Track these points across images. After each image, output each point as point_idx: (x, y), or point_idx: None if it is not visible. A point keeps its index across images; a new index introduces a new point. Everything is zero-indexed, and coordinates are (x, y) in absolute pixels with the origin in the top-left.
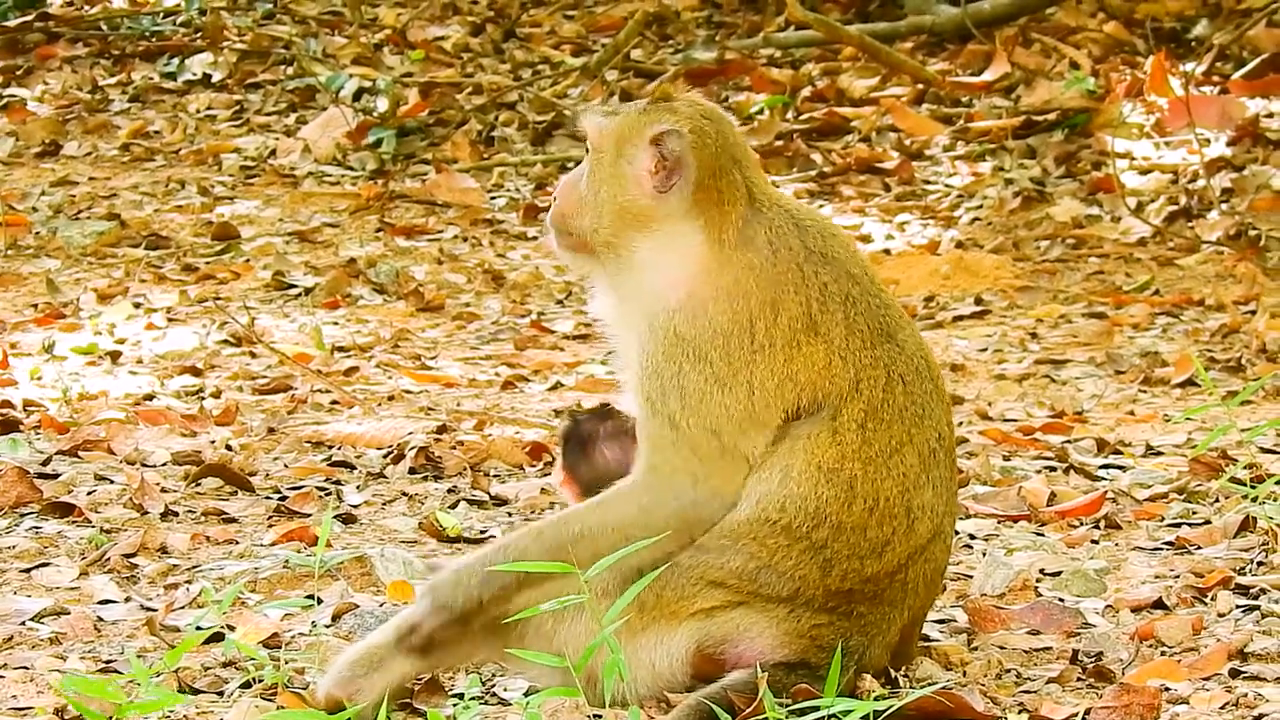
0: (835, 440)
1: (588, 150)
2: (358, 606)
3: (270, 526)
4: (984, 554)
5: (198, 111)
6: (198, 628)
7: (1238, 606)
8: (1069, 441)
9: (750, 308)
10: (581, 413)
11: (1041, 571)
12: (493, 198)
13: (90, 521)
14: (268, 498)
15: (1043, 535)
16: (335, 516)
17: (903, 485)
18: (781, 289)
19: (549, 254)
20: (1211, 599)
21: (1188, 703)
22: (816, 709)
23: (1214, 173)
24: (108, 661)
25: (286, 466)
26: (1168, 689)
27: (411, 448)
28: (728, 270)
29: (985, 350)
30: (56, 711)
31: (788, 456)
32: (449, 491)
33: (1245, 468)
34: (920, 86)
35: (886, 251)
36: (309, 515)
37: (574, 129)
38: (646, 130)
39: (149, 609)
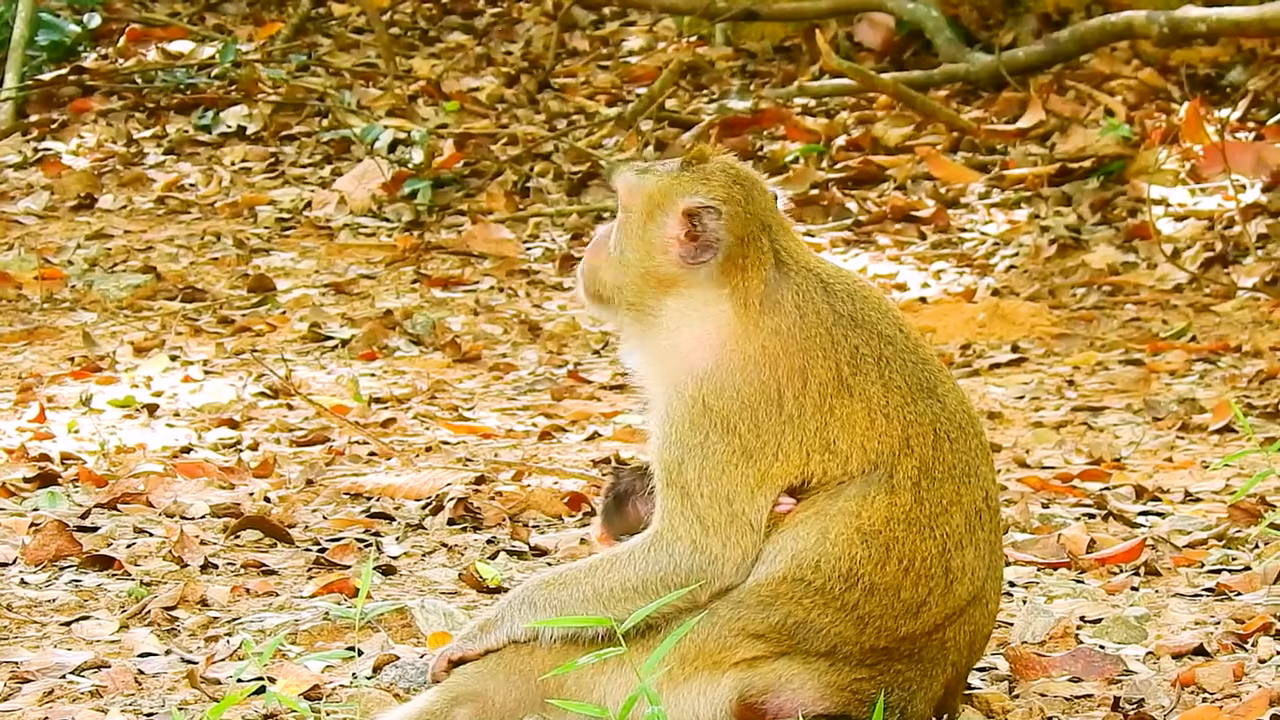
0: (890, 501)
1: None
2: (399, 658)
3: (310, 578)
4: (1024, 601)
5: (233, 164)
6: (239, 680)
7: (1279, 653)
8: (1107, 488)
9: (778, 376)
10: (622, 468)
11: (1082, 619)
12: (528, 248)
13: (130, 574)
14: (307, 549)
15: (1083, 582)
16: (375, 568)
17: (943, 546)
18: (809, 355)
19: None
20: (1253, 645)
21: None
22: None
23: (1250, 218)
24: (149, 714)
25: (325, 518)
26: None
27: (450, 499)
28: (754, 337)
29: (1022, 398)
30: None
31: (826, 519)
32: (488, 542)
33: None
34: (955, 134)
35: (923, 300)
36: (349, 567)
37: (608, 182)
38: (680, 200)
39: (190, 661)
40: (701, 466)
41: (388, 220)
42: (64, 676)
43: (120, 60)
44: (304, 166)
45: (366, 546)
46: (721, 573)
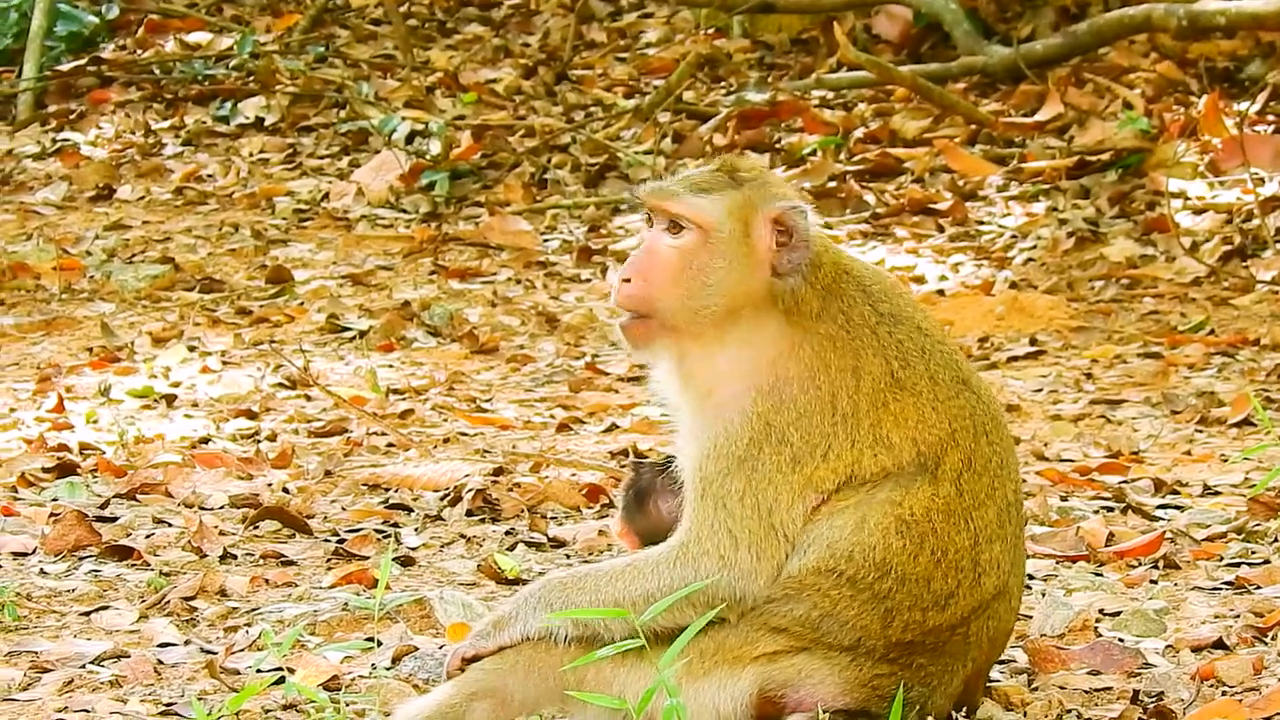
0: (933, 491)
1: (675, 228)
2: (417, 649)
3: (329, 569)
4: (1043, 594)
5: (251, 155)
6: (258, 670)
7: None
8: (1126, 481)
9: (831, 379)
10: (643, 464)
11: (1101, 611)
12: (546, 240)
13: (149, 564)
14: (326, 540)
15: (1101, 575)
16: (394, 559)
17: (975, 539)
18: (860, 354)
19: (603, 296)
20: (1272, 638)
21: None
22: None
23: (1268, 212)
24: (168, 704)
25: (344, 509)
26: None
27: (469, 490)
28: (807, 345)
29: (1040, 391)
30: None
31: (865, 508)
32: (507, 534)
33: None
34: (973, 127)
35: (940, 293)
36: (367, 558)
37: (651, 203)
38: (765, 209)
39: (209, 652)
40: (750, 478)
41: (405, 211)
42: (83, 666)
43: (138, 51)
44: (322, 158)
45: (385, 537)
46: (750, 588)
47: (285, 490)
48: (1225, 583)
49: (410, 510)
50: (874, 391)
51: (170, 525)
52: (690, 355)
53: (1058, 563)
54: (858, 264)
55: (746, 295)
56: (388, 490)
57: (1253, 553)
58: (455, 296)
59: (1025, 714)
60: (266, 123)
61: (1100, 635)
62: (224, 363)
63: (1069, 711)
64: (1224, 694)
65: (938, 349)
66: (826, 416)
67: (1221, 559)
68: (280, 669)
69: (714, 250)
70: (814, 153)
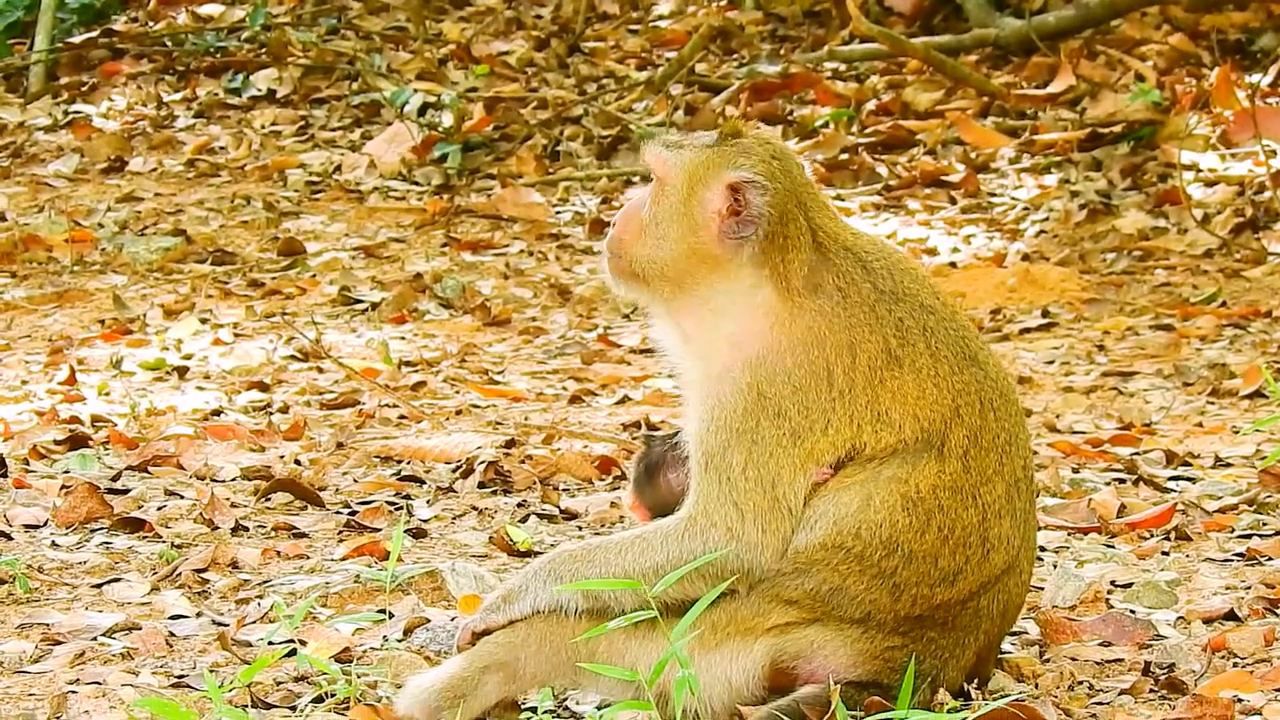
0: (939, 469)
1: (650, 179)
2: (429, 621)
3: (341, 541)
4: (1055, 566)
5: (263, 127)
6: (270, 643)
7: None
8: (1138, 453)
9: (826, 354)
10: (654, 436)
11: (1112, 583)
12: (558, 212)
13: (161, 537)
14: (338, 512)
15: (1113, 547)
16: (405, 531)
17: (983, 515)
18: (856, 330)
19: None
20: None
21: (1260, 714)
22: None
23: None
24: (180, 677)
25: (356, 481)
26: (1240, 700)
27: (481, 462)
28: (799, 319)
29: (1053, 363)
30: None
31: (871, 485)
32: (519, 506)
33: None
34: (985, 99)
35: (953, 265)
36: (379, 530)
37: (639, 154)
38: (723, 174)
39: (220, 624)
40: (750, 451)
41: (417, 184)
42: (95, 639)
43: (150, 23)
44: (334, 130)
45: (397, 509)
46: (759, 561)
47: (297, 462)
48: (1236, 554)
49: (422, 482)
50: (870, 368)
51: (182, 497)
52: (684, 323)
53: (1069, 534)
54: (863, 239)
55: (699, 254)
56: (400, 462)
57: (1264, 524)
58: (467, 269)
59: (1037, 685)
60: (278, 95)
61: (1112, 607)
62: (236, 335)
63: (1080, 683)
64: (1235, 665)
65: (942, 326)
66: (823, 392)
67: (1233, 531)
68: (292, 641)
69: (663, 201)
70: (826, 125)
